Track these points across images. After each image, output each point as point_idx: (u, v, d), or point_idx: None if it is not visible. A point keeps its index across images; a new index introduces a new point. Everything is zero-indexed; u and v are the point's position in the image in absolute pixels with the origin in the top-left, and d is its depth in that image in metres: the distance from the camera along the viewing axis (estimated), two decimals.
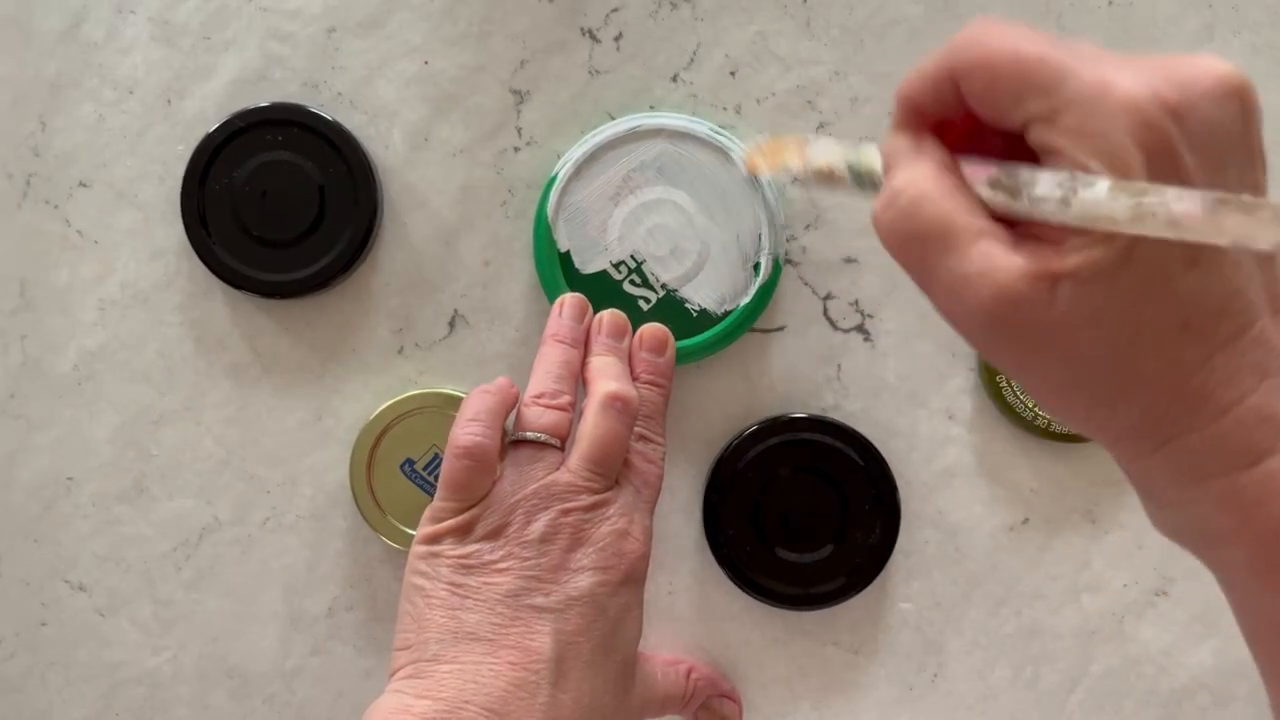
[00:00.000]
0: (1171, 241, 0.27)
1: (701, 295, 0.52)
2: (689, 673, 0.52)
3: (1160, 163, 0.28)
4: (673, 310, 0.52)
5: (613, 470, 0.47)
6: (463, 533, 0.45)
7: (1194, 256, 0.28)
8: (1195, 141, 0.28)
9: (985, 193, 0.30)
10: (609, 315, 0.51)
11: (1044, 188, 0.29)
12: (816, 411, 0.53)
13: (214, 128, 0.52)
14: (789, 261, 0.53)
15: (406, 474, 0.52)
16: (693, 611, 0.55)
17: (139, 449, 0.54)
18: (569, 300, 0.51)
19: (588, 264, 0.52)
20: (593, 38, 0.53)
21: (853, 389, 0.54)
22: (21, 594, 0.55)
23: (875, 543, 0.53)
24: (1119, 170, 0.27)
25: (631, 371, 0.50)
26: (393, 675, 0.44)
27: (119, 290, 0.54)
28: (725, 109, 0.53)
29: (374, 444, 0.52)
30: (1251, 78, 0.29)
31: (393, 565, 0.54)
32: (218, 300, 0.54)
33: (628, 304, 0.52)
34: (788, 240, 0.53)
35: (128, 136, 0.53)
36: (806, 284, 0.53)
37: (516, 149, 0.53)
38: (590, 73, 0.53)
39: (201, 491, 0.54)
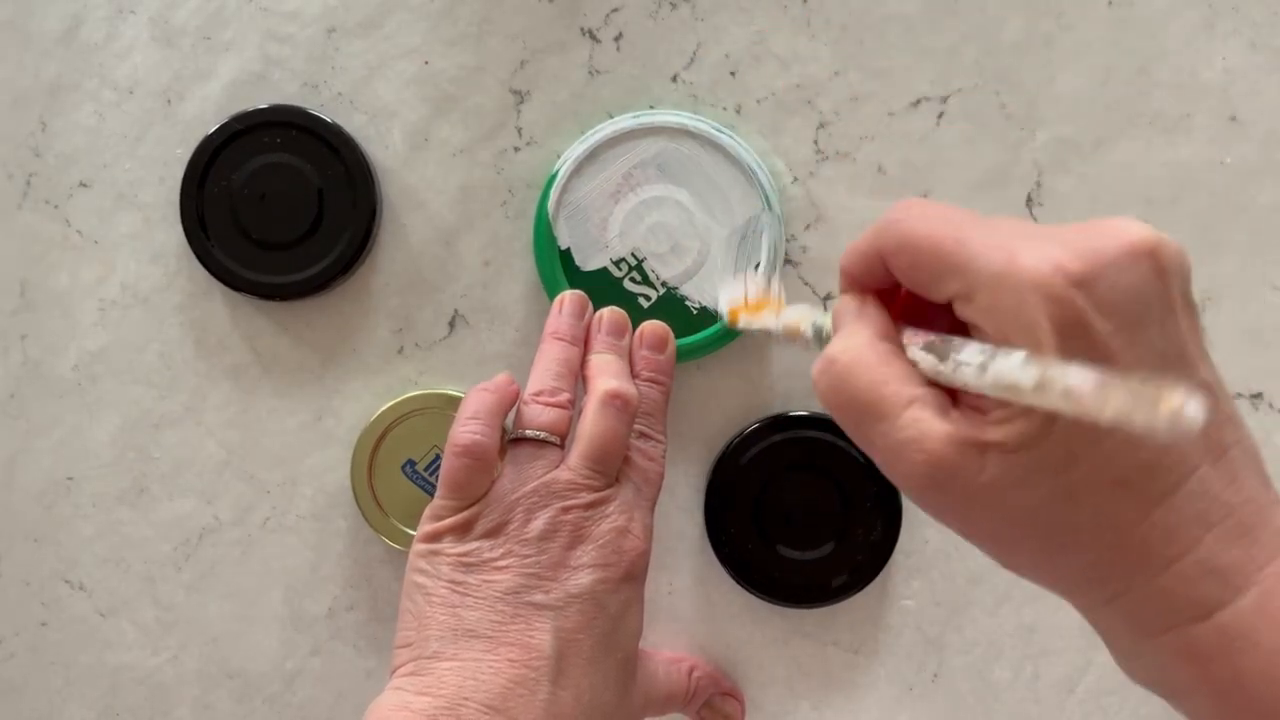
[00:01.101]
0: None
1: (702, 293, 0.52)
2: (691, 671, 0.52)
3: (1070, 333, 0.28)
4: (673, 308, 0.52)
5: (612, 468, 0.47)
6: (463, 531, 0.45)
7: None
8: (1105, 307, 0.29)
9: (918, 355, 0.32)
10: (609, 313, 0.51)
11: (967, 354, 0.30)
12: (817, 409, 0.53)
13: (213, 130, 0.52)
14: (789, 261, 0.53)
15: (408, 475, 0.52)
16: (694, 610, 0.54)
17: (140, 450, 0.54)
18: (569, 297, 0.51)
19: (588, 261, 0.52)
20: (592, 38, 0.53)
21: None
22: (22, 594, 0.55)
23: (877, 539, 0.53)
24: (1032, 344, 0.28)
25: (631, 369, 0.50)
26: (393, 673, 0.44)
27: (119, 291, 0.54)
28: (725, 109, 0.53)
29: (375, 445, 0.52)
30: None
31: (393, 566, 0.54)
32: (218, 302, 0.54)
33: (628, 301, 0.52)
34: (788, 240, 0.53)
35: (128, 138, 0.53)
36: (806, 284, 0.53)
37: (516, 149, 0.53)
38: (590, 72, 0.53)
39: (202, 492, 0.54)
